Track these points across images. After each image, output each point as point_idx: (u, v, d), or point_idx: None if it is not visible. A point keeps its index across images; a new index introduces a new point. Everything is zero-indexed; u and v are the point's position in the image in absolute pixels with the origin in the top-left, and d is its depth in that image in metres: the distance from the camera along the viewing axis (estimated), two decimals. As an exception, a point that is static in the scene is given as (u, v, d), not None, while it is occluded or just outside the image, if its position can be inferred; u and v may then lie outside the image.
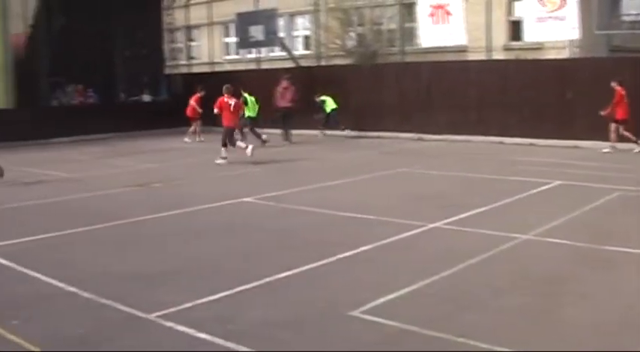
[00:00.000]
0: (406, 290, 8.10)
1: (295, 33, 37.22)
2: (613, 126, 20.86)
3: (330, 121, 27.20)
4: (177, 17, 35.24)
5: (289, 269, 8.90)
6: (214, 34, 39.42)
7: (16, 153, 24.57)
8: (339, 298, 7.89)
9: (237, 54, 37.76)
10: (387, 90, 27.28)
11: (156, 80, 33.39)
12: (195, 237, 11.12)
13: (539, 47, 26.91)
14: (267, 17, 31.10)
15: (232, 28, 37.04)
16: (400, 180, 16.79)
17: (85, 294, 8.17)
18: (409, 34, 30.50)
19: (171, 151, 24.31)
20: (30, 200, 15.01)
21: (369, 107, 27.38)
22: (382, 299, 7.76)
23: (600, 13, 23.68)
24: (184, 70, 35.50)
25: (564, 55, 25.76)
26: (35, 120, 28.17)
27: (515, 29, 28.04)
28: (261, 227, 11.73)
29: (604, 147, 21.06)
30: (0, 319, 7.43)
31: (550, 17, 23.83)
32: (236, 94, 21.81)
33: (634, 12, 22.85)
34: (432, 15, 27.06)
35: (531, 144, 23.06)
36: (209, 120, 25.48)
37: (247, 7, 33.01)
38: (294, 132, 26.40)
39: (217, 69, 36.78)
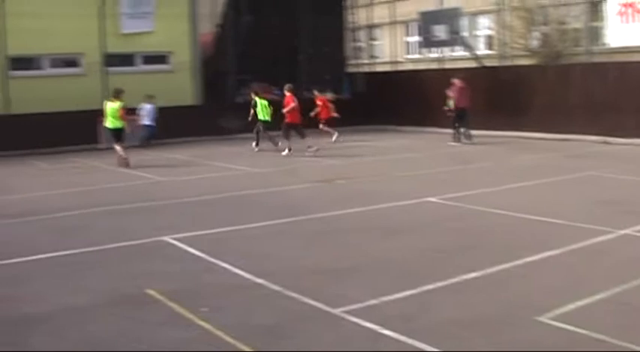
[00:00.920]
0: (596, 297, 7.80)
1: (478, 32, 36.70)
2: None
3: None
4: (359, 16, 35.42)
5: (474, 271, 8.77)
6: (396, 33, 39.43)
7: (204, 147, 25.56)
8: (525, 302, 7.70)
9: (419, 53, 37.63)
10: (572, 92, 26.40)
11: (338, 79, 33.72)
12: (381, 235, 11.14)
13: None
14: (450, 16, 30.79)
15: (414, 27, 36.94)
16: (588, 184, 16.17)
17: (273, 286, 8.35)
18: (595, 34, 29.44)
19: (352, 148, 24.50)
20: (219, 192, 15.63)
21: (553, 108, 26.59)
22: (571, 306, 7.51)
23: None
24: (366, 69, 35.61)
25: None
26: (221, 117, 29.11)
27: None
28: (446, 227, 11.61)
29: None
30: (191, 306, 7.71)
31: None
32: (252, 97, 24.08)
33: None
34: (621, 13, 26.02)
35: None
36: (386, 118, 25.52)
37: (430, 6, 32.78)
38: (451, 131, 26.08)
39: (399, 68, 36.73)
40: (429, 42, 32.41)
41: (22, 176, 20.18)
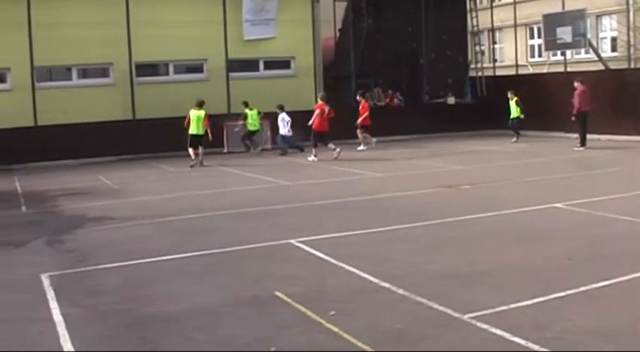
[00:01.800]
0: None
1: (602, 34, 35.81)
2: None
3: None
4: (481, 19, 35.04)
5: (606, 279, 8.52)
6: (519, 36, 38.84)
7: (326, 150, 25.72)
8: (664, 313, 7.44)
9: (542, 56, 36.96)
10: None
11: (460, 82, 33.44)
12: (508, 241, 10.96)
13: None
14: (575, 18, 30.11)
15: (537, 30, 36.32)
16: None
17: (400, 291, 8.33)
18: None
19: (476, 153, 24.28)
20: (343, 196, 15.74)
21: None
22: None
23: None
24: (488, 73, 35.21)
25: None
26: (342, 121, 29.21)
27: None
28: (573, 234, 11.33)
29: None
30: (318, 309, 7.76)
31: None
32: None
33: None
34: None
35: None
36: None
37: (553, 8, 32.14)
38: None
39: (521, 72, 36.16)
40: (552, 44, 31.76)
41: (149, 178, 20.82)
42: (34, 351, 7.00)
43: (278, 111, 26.53)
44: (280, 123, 26.49)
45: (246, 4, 28.89)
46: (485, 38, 39.84)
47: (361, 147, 26.45)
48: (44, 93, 26.36)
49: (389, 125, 29.62)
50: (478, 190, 16.15)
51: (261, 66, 30.15)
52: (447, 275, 8.97)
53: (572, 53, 34.11)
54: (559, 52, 33.57)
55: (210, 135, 23.33)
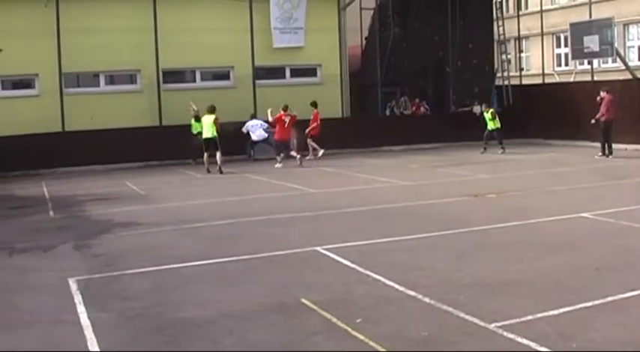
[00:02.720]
0: None
1: (629, 43, 35.62)
2: None
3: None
4: (508, 28, 34.91)
5: (634, 290, 8.46)
6: (545, 45, 38.69)
7: (350, 159, 25.83)
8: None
9: (568, 65, 36.79)
10: None
11: (486, 91, 33.33)
12: (536, 250, 10.90)
13: None
14: (602, 27, 29.93)
15: (564, 39, 36.18)
16: None
17: (426, 299, 8.34)
18: None
19: (502, 162, 24.18)
20: (370, 204, 15.76)
21: None
22: None
23: None
24: (515, 82, 35.06)
25: None
26: (368, 129, 29.34)
27: None
28: (601, 244, 11.25)
29: None
30: (345, 317, 7.79)
31: None
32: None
33: None
34: None
35: None
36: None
37: (581, 16, 32.03)
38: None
39: (548, 80, 36.01)
40: (579, 53, 31.57)
41: (175, 184, 20.97)
42: (63, 353, 7.10)
43: (249, 119, 26.89)
44: (252, 129, 26.54)
45: (274, 12, 28.99)
46: (511, 47, 39.70)
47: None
48: (72, 99, 26.60)
49: (415, 133, 29.70)
50: (504, 199, 16.10)
51: (288, 73, 30.25)
52: (474, 284, 8.96)
53: (599, 62, 33.95)
54: (586, 61, 33.41)
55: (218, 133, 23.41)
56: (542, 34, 36.51)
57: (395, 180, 20.03)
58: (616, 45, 31.10)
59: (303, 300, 8.44)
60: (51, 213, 16.51)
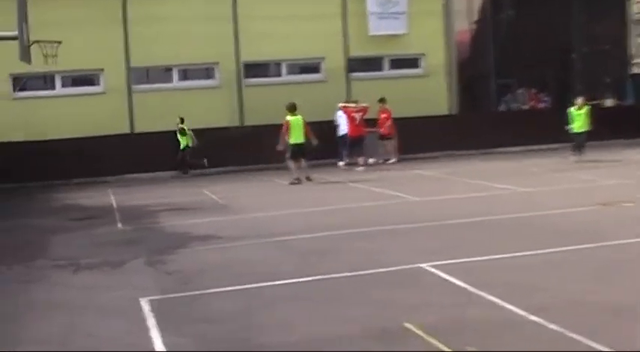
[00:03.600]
0: None
1: None
2: None
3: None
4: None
5: None
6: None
7: (459, 162, 25.65)
8: None
9: None
10: None
11: (620, 81, 32.72)
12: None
13: None
14: None
15: None
16: None
17: (552, 326, 8.18)
18: None
19: (634, 165, 23.70)
20: (482, 214, 15.65)
21: None
22: None
23: None
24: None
25: None
26: (480, 128, 29.05)
27: None
28: None
29: None
30: (455, 344, 7.71)
31: None
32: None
33: None
34: None
35: None
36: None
37: None
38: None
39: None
40: None
41: (258, 193, 21.16)
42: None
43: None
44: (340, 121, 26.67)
45: (371, -6, 29.01)
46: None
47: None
48: (141, 97, 27.09)
49: (533, 131, 29.20)
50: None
51: (387, 65, 30.22)
52: (609, 308, 8.75)
53: None
54: None
55: (313, 140, 23.05)
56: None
57: (511, 186, 19.81)
58: None
59: (407, 325, 8.39)
60: (119, 224, 16.85)
